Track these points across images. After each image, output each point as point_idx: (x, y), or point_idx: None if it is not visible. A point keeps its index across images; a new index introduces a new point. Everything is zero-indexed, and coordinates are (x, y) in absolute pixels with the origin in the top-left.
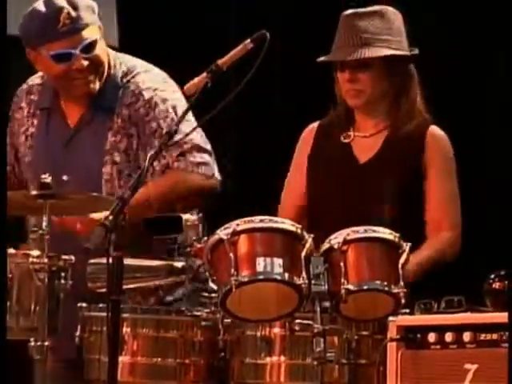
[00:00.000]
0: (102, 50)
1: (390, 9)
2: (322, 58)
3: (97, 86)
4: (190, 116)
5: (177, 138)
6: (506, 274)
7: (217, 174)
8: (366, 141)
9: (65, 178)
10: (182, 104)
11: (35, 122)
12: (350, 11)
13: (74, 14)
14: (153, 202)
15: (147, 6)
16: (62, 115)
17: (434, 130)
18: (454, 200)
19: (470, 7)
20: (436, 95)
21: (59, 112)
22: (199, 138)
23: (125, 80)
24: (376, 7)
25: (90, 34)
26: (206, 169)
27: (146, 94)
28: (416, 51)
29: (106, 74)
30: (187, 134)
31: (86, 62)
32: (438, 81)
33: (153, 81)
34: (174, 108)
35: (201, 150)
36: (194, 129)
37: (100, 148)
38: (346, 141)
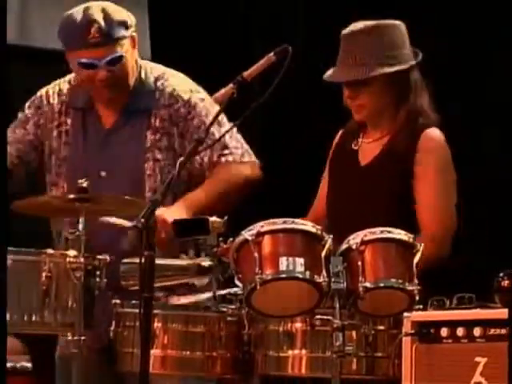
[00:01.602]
0: (129, 61)
1: (387, 22)
2: (325, 77)
3: (120, 93)
4: (225, 120)
5: (215, 135)
6: None
7: (255, 159)
8: (369, 146)
9: (103, 174)
10: (212, 103)
11: (69, 120)
12: (348, 30)
13: (104, 28)
14: (212, 199)
15: (177, 20)
16: (96, 116)
17: (429, 132)
18: (443, 204)
19: (470, 8)
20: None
21: (94, 113)
22: (237, 135)
23: (158, 83)
24: (373, 23)
25: (118, 48)
26: (251, 156)
27: (184, 96)
28: (419, 58)
29: (135, 80)
30: (223, 135)
31: (108, 74)
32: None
33: (185, 83)
34: (211, 105)
35: (239, 142)
36: (224, 134)
37: (139, 146)
38: (355, 148)
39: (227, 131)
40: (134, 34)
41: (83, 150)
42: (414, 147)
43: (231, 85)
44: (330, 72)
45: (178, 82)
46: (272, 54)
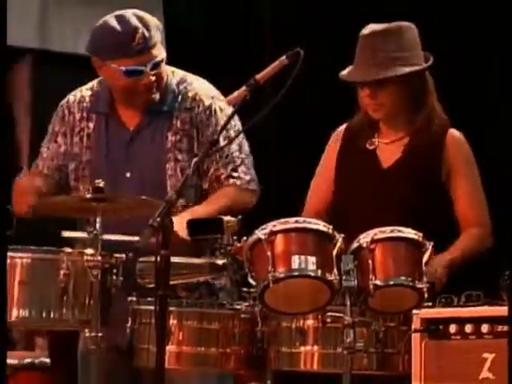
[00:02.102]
0: (164, 64)
1: (405, 24)
2: (342, 76)
3: (157, 96)
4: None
5: (225, 151)
6: None
7: (258, 189)
8: (388, 147)
9: (128, 175)
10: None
11: (91, 124)
12: (367, 31)
13: (147, 34)
14: (210, 217)
15: (192, 28)
16: (119, 119)
17: (453, 132)
18: (479, 197)
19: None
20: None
21: (116, 116)
22: (246, 148)
23: (181, 87)
24: (392, 25)
25: (158, 52)
26: (254, 185)
27: (206, 101)
28: (431, 60)
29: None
30: (230, 141)
31: (153, 78)
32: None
33: (208, 88)
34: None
35: (249, 164)
36: (234, 139)
37: (161, 147)
38: (371, 147)
39: (230, 140)
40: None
41: (107, 153)
42: (440, 149)
43: (244, 87)
44: (346, 71)
45: (201, 87)
46: (284, 57)
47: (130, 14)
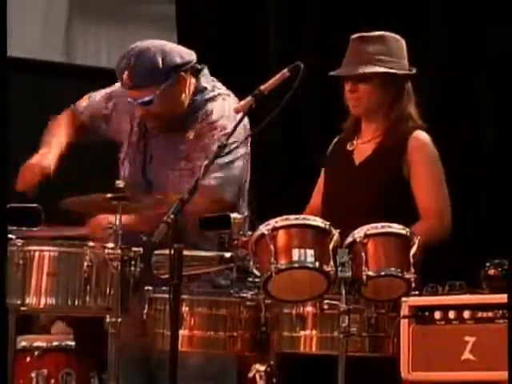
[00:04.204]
0: (169, 99)
1: (391, 35)
2: (331, 73)
3: (165, 121)
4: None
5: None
6: (499, 262)
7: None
8: (363, 146)
9: (151, 179)
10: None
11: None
12: (357, 35)
13: (131, 77)
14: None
15: (204, 37)
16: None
17: (417, 134)
18: (438, 193)
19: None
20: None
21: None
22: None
23: (207, 105)
24: (379, 33)
25: (146, 93)
26: (233, 187)
27: (214, 117)
28: (413, 71)
29: (189, 103)
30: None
31: (143, 112)
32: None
33: (224, 108)
34: (224, 135)
35: (224, 167)
36: (242, 142)
37: (174, 156)
38: (351, 148)
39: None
40: (183, 74)
41: (140, 163)
42: (404, 148)
43: (250, 97)
44: (336, 70)
45: (219, 106)
46: (286, 70)
47: (136, 51)
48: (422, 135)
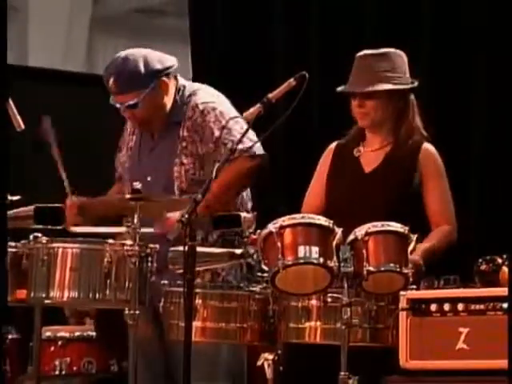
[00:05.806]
0: (152, 102)
1: (394, 51)
2: (339, 89)
3: (151, 122)
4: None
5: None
6: (490, 258)
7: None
8: (371, 154)
9: (149, 178)
10: (229, 108)
11: (134, 138)
12: (362, 53)
13: (116, 83)
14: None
15: (217, 49)
16: (149, 133)
17: (427, 146)
18: (448, 200)
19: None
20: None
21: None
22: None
23: (190, 99)
24: (383, 50)
25: (131, 97)
26: (258, 148)
27: (201, 106)
28: (415, 84)
29: (174, 101)
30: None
31: (130, 114)
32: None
33: (206, 96)
34: (221, 113)
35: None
36: (251, 147)
37: (173, 153)
38: (357, 155)
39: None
40: (165, 78)
41: (138, 161)
42: (414, 160)
43: (258, 105)
44: (342, 86)
45: (203, 97)
46: (292, 79)
47: (120, 58)
48: (431, 147)
